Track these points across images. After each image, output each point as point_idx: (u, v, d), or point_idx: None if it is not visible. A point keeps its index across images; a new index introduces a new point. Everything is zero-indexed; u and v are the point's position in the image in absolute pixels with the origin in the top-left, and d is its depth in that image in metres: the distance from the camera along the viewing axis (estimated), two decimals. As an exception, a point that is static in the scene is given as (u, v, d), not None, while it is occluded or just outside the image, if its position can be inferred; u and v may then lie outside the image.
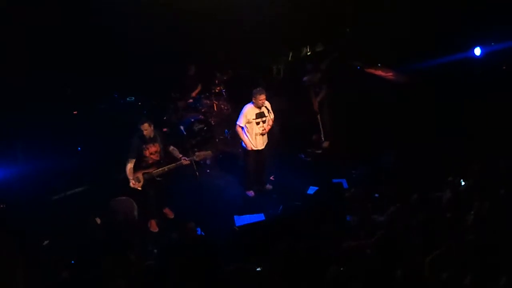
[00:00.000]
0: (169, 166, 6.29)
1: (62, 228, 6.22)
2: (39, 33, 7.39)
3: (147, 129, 6.13)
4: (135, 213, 6.07)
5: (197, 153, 6.44)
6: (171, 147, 6.43)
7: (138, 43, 8.09)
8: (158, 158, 6.32)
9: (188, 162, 6.28)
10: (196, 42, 8.86)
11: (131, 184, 6.21)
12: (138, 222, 6.16)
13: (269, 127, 6.81)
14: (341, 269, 4.04)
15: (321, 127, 8.18)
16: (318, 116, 8.11)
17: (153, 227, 6.69)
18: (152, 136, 6.23)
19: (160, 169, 6.27)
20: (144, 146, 6.20)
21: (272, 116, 6.76)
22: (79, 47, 7.75)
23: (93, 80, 7.96)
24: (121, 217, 5.95)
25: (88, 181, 7.27)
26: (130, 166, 6.19)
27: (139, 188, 6.27)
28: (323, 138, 8.24)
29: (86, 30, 7.71)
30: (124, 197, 6.12)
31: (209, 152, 6.78)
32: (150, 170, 6.27)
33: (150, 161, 6.29)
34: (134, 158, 6.19)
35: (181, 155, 6.35)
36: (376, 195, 6.25)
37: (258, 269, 4.68)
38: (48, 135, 7.44)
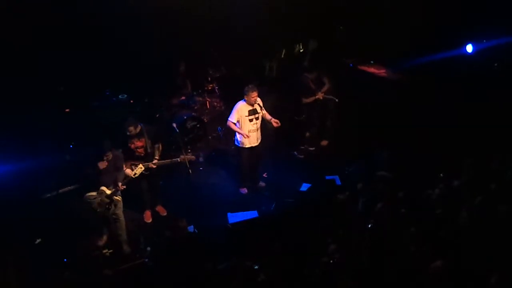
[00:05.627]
0: (155, 162, 6.28)
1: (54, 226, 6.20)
2: (33, 31, 7.34)
3: (131, 131, 6.16)
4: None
5: (181, 156, 6.42)
6: (157, 145, 6.42)
7: (131, 41, 8.06)
8: (144, 153, 6.30)
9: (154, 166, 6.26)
10: (189, 40, 8.82)
11: (127, 172, 6.12)
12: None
13: (277, 124, 6.73)
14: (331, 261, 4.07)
15: (317, 125, 8.19)
16: (312, 114, 8.10)
17: (147, 217, 6.71)
18: (138, 132, 6.22)
19: (146, 163, 6.25)
20: (129, 140, 6.21)
21: (264, 112, 6.74)
22: (72, 44, 7.70)
23: (85, 77, 7.92)
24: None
25: (80, 179, 7.22)
26: None
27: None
28: (319, 137, 8.25)
29: (78, 28, 7.66)
30: None
31: (193, 157, 6.76)
32: (137, 163, 6.24)
33: (136, 154, 6.27)
34: (119, 149, 6.15)
35: (157, 157, 6.33)
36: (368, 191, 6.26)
37: (255, 267, 4.69)
38: (40, 132, 7.40)
